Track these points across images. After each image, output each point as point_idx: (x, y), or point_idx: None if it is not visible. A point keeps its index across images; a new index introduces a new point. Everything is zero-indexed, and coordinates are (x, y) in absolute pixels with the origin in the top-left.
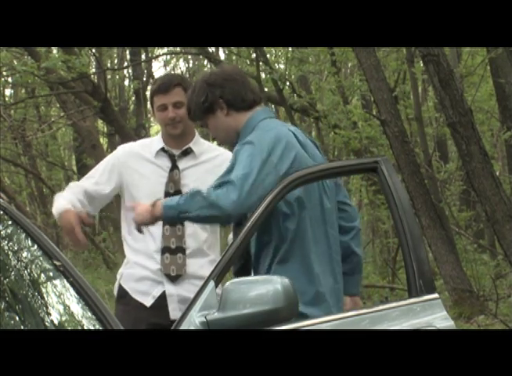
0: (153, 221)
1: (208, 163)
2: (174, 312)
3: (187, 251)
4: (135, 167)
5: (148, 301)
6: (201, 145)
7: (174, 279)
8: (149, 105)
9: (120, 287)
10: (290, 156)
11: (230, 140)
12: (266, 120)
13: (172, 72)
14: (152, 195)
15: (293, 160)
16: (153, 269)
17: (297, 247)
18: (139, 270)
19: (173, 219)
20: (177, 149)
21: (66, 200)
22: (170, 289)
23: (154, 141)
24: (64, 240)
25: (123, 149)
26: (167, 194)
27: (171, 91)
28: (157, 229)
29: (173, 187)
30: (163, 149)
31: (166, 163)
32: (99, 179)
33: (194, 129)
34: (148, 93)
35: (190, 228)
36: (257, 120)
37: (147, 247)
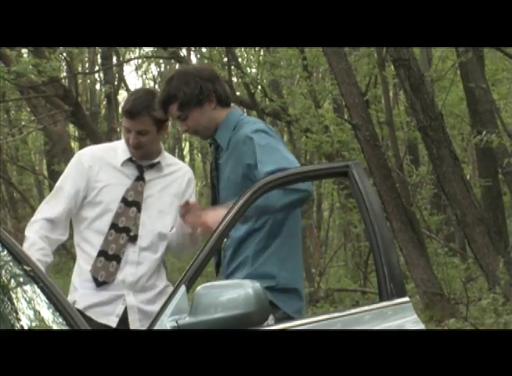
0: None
1: (172, 175)
2: (135, 323)
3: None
4: (99, 172)
5: (113, 322)
6: (167, 158)
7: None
8: (120, 109)
9: (81, 312)
10: None
11: (208, 133)
12: (245, 116)
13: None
14: (113, 202)
15: None
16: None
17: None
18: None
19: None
20: (144, 160)
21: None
22: (131, 301)
23: (119, 148)
24: None
25: (86, 154)
26: (123, 200)
27: (135, 119)
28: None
29: (132, 196)
30: (130, 159)
31: (133, 172)
32: (68, 192)
33: (160, 144)
34: (119, 97)
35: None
36: (237, 115)
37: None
